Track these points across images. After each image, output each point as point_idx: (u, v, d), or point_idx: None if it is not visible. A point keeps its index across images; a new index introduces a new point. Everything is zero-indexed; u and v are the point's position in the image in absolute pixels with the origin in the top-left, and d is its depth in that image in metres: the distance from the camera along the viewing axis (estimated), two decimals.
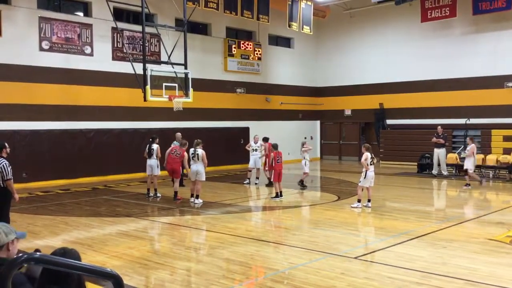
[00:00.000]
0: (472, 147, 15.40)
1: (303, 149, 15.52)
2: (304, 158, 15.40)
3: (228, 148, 21.50)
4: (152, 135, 14.41)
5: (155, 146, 13.67)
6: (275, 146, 14.03)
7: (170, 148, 13.66)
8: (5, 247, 3.12)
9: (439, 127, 18.57)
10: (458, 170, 18.86)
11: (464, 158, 19.18)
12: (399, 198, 13.77)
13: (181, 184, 15.91)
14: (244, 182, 16.69)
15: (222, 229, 9.53)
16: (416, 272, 6.59)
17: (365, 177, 11.77)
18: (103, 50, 18.22)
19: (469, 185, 15.33)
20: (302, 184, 15.41)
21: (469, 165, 15.33)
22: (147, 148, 13.84)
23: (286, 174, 16.71)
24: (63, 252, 2.85)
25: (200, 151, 12.57)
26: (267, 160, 15.75)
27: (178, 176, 13.41)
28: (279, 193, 13.29)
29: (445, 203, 13.79)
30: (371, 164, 11.77)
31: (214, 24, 22.13)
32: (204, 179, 12.74)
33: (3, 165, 8.16)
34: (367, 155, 11.74)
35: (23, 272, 2.97)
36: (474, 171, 15.41)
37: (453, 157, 18.87)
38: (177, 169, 13.23)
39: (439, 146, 18.05)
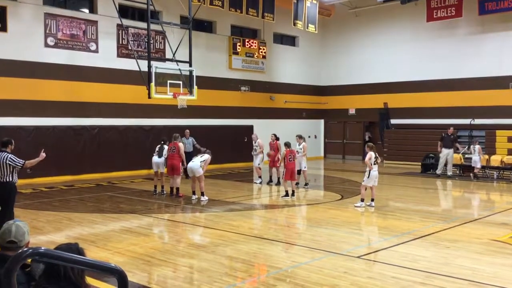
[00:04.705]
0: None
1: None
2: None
3: (232, 146, 21.50)
4: (163, 137, 14.41)
5: (165, 147, 13.66)
6: (288, 144, 13.65)
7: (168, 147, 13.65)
8: (25, 246, 3.18)
9: (452, 128, 18.51)
10: (463, 171, 18.86)
11: (469, 158, 19.22)
12: (403, 197, 13.75)
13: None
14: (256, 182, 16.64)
15: (225, 227, 9.54)
16: (419, 272, 6.58)
17: (368, 177, 11.76)
18: (108, 47, 18.25)
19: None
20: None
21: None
22: (158, 148, 13.81)
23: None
24: (63, 248, 2.86)
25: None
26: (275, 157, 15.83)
27: (178, 173, 13.36)
28: (289, 192, 13.22)
29: (449, 203, 13.75)
30: (375, 164, 11.75)
31: (219, 22, 22.12)
32: (198, 174, 12.48)
33: (10, 158, 8.20)
34: (371, 155, 11.72)
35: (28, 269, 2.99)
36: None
37: (457, 157, 18.82)
38: (176, 164, 13.18)
39: (449, 146, 17.95)
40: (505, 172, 17.90)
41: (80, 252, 2.87)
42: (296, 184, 15.15)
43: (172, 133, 14.28)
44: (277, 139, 15.81)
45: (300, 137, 15.32)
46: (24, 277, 2.95)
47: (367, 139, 24.49)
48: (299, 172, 15.26)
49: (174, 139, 13.43)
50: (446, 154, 17.96)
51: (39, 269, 2.91)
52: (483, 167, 18.46)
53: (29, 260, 2.74)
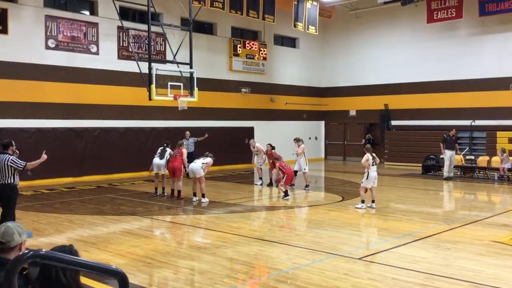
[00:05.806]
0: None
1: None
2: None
3: (232, 148, 21.49)
4: (166, 141, 14.43)
5: (168, 150, 13.70)
6: (278, 159, 14.31)
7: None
8: (17, 248, 3.17)
9: (454, 129, 18.47)
10: (463, 172, 18.84)
11: (470, 160, 19.21)
12: (403, 199, 13.74)
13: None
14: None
15: (226, 229, 9.54)
16: (420, 273, 6.58)
17: (367, 178, 11.78)
18: (109, 49, 18.27)
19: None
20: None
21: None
22: (160, 150, 13.81)
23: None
24: (56, 250, 2.86)
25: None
26: (270, 162, 15.89)
27: (179, 175, 13.39)
28: (287, 192, 13.37)
29: (450, 205, 13.75)
30: (373, 165, 11.77)
31: (219, 24, 22.14)
32: (198, 175, 12.56)
33: (11, 160, 8.21)
34: (367, 156, 11.77)
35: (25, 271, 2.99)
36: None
37: (458, 158, 18.80)
38: (178, 167, 13.22)
39: (452, 148, 17.88)
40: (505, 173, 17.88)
41: (74, 254, 2.85)
42: (292, 185, 15.16)
43: (173, 134, 14.36)
44: (273, 148, 15.82)
45: (298, 140, 15.50)
46: (22, 280, 2.94)
47: (362, 142, 24.37)
48: (295, 172, 15.24)
49: (179, 146, 13.48)
50: (450, 155, 17.82)
51: (36, 272, 2.91)
52: (483, 168, 18.49)
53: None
